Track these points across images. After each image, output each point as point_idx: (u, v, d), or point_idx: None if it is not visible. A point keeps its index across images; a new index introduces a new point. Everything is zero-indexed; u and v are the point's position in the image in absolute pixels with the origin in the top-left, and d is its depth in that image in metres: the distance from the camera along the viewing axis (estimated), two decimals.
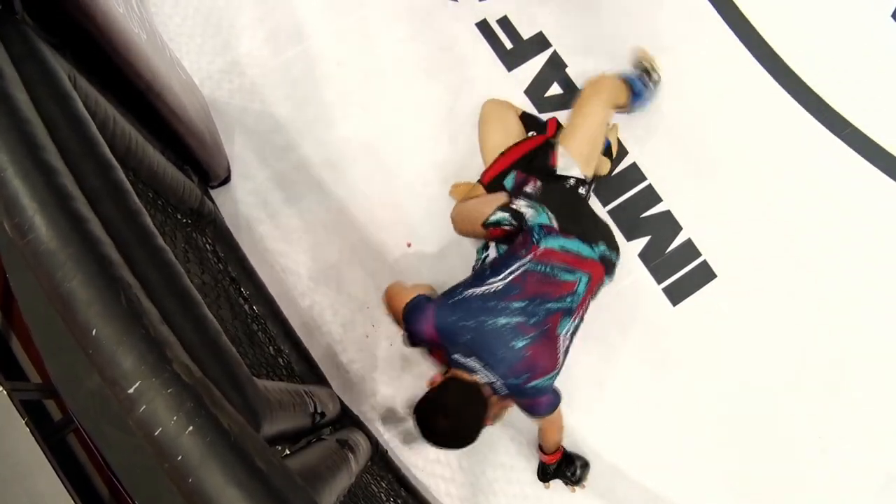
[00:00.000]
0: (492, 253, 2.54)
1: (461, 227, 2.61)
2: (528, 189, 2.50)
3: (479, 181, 2.70)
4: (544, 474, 2.65)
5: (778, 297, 2.85)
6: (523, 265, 2.20)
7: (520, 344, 2.07)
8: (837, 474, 2.73)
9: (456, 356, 2.11)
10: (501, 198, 2.45)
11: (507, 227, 2.39)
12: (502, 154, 2.68)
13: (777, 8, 3.10)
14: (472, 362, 2.08)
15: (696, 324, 2.82)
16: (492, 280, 2.17)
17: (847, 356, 2.82)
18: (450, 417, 2.03)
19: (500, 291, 2.14)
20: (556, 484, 2.67)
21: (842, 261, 2.89)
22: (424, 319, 2.15)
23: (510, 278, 2.17)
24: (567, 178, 2.53)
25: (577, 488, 2.64)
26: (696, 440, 2.74)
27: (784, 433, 2.76)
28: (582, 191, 2.56)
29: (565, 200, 2.46)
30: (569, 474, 2.61)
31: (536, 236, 2.28)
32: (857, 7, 3.12)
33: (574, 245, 2.29)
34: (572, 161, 2.52)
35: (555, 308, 2.15)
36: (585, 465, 2.64)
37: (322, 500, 1.40)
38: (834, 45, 3.09)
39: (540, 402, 2.23)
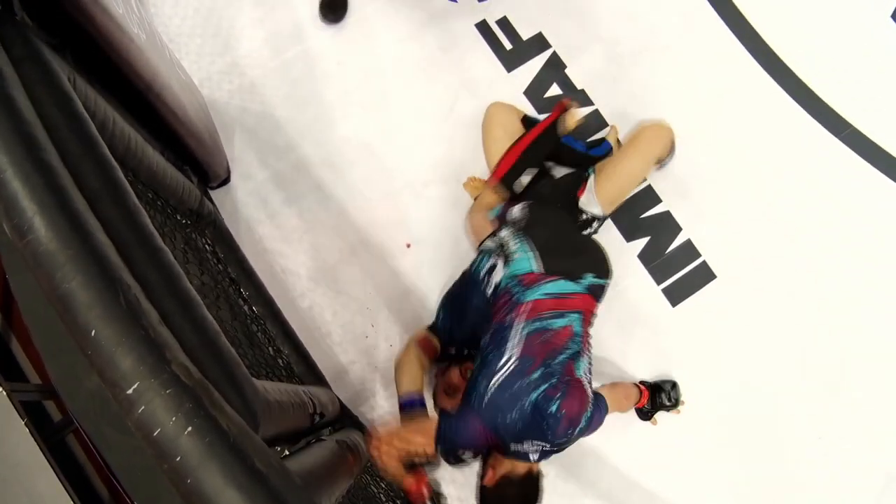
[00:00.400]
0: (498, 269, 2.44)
1: (472, 237, 2.73)
2: (516, 213, 2.50)
3: (489, 181, 2.74)
4: (645, 415, 2.73)
5: (778, 298, 2.85)
6: (519, 331, 2.17)
7: (554, 407, 2.03)
8: (838, 475, 2.73)
9: (514, 447, 2.07)
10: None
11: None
12: (508, 150, 2.70)
13: (776, 8, 3.11)
14: (526, 446, 2.07)
15: (695, 324, 2.82)
16: (500, 361, 2.11)
17: (847, 356, 2.82)
18: None
19: (518, 371, 2.09)
20: (556, 487, 2.67)
21: (842, 261, 2.89)
22: (472, 428, 2.08)
23: (518, 351, 2.12)
24: (582, 211, 2.60)
25: (679, 409, 2.73)
26: (696, 440, 2.74)
27: (784, 433, 2.76)
28: (593, 226, 2.64)
29: (554, 227, 2.47)
30: (667, 403, 2.70)
31: (516, 294, 2.26)
32: (856, 7, 3.12)
33: (556, 287, 2.26)
34: (596, 201, 2.59)
35: (565, 358, 2.14)
36: (674, 385, 2.73)
37: (321, 500, 1.40)
38: (834, 46, 3.09)
39: (592, 429, 2.21)
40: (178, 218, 2.27)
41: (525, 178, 2.70)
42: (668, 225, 2.90)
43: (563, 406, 2.04)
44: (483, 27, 3.05)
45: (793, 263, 2.88)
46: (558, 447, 2.10)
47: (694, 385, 2.77)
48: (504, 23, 3.06)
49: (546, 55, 3.04)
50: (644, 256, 2.87)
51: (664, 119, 2.78)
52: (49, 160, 1.11)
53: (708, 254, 2.88)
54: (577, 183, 2.66)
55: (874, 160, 2.99)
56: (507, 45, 3.05)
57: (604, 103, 3.00)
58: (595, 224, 2.65)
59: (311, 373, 2.59)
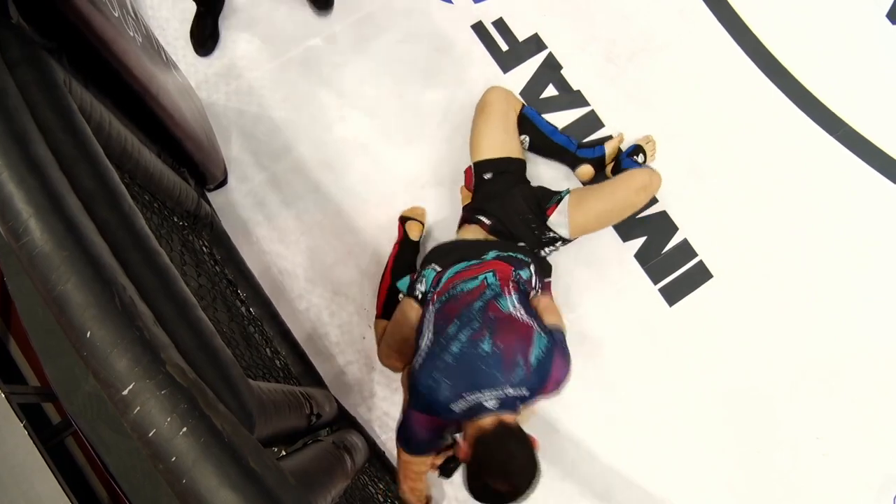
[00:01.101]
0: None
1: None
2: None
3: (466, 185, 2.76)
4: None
5: (775, 296, 2.86)
6: (432, 313, 2.19)
7: (486, 345, 1.97)
8: (836, 475, 2.74)
9: (460, 405, 1.95)
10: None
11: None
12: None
13: (771, 6, 3.13)
14: (475, 397, 1.93)
15: (692, 324, 2.83)
16: (422, 345, 2.11)
17: (845, 354, 2.83)
18: (507, 476, 1.83)
19: (435, 341, 2.07)
20: (554, 487, 2.68)
21: (838, 259, 2.91)
22: (415, 422, 2.06)
23: (432, 327, 2.13)
24: (550, 228, 2.56)
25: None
26: (694, 441, 2.74)
27: (783, 433, 2.77)
28: (556, 245, 2.62)
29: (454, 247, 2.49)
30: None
31: (429, 296, 2.30)
32: (852, 6, 3.14)
33: (459, 266, 2.30)
34: (566, 224, 2.54)
35: (482, 304, 2.11)
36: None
37: (317, 500, 1.41)
38: (829, 45, 3.11)
39: (556, 372, 2.06)
40: (176, 220, 2.28)
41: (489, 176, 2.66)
42: (664, 225, 2.90)
43: (496, 341, 1.98)
44: (479, 28, 3.06)
45: (790, 262, 2.89)
46: (523, 387, 1.96)
47: (692, 384, 2.78)
48: (500, 24, 3.07)
49: (542, 56, 3.05)
50: (641, 256, 2.87)
51: (657, 170, 2.75)
52: (44, 163, 1.12)
53: (705, 253, 2.89)
54: (549, 199, 2.60)
55: (869, 158, 3.01)
56: (504, 47, 3.06)
57: (600, 104, 3.01)
58: (559, 244, 2.61)
59: (308, 374, 2.60)
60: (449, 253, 2.41)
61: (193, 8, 2.95)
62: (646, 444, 2.74)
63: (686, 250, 2.89)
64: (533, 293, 2.38)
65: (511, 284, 2.23)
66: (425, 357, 2.06)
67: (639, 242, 2.88)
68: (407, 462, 2.21)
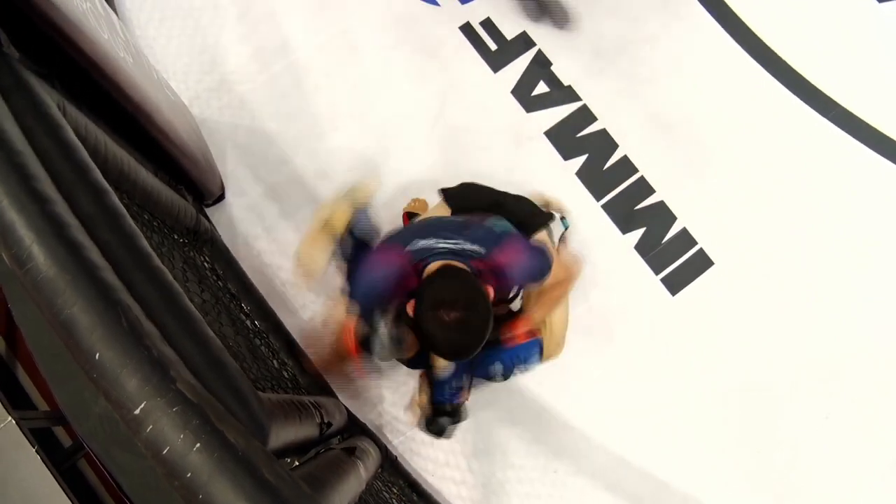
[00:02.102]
0: None
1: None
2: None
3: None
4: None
5: (777, 280, 2.86)
6: None
7: (458, 218, 2.12)
8: (845, 454, 2.74)
9: (421, 243, 1.90)
10: None
11: None
12: None
13: None
14: (430, 241, 1.89)
15: (696, 312, 2.83)
16: None
17: (848, 334, 2.83)
18: (454, 303, 1.74)
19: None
20: (569, 481, 2.68)
21: (836, 237, 2.91)
22: (378, 258, 1.96)
23: None
24: None
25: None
26: (703, 428, 2.74)
27: (791, 415, 2.77)
28: None
29: None
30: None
31: None
32: None
33: None
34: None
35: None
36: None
37: None
38: (817, 26, 3.12)
39: (511, 248, 1.96)
40: (176, 237, 2.29)
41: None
42: (662, 215, 2.91)
43: (466, 217, 2.09)
44: (467, 29, 3.07)
45: (790, 244, 2.90)
46: (476, 244, 1.91)
47: (699, 372, 2.78)
48: (488, 23, 3.08)
49: (531, 54, 3.06)
50: (641, 248, 2.88)
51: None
52: (43, 188, 1.13)
53: (704, 241, 2.89)
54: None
55: (864, 138, 3.01)
56: (492, 46, 3.06)
57: (592, 98, 3.01)
58: None
59: (316, 383, 2.60)
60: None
61: (180, 26, 2.96)
62: (654, 432, 2.74)
63: (686, 239, 2.89)
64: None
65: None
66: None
67: (638, 234, 2.89)
68: (344, 323, 2.05)
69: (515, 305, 2.42)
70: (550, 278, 2.07)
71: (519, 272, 1.96)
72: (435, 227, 1.96)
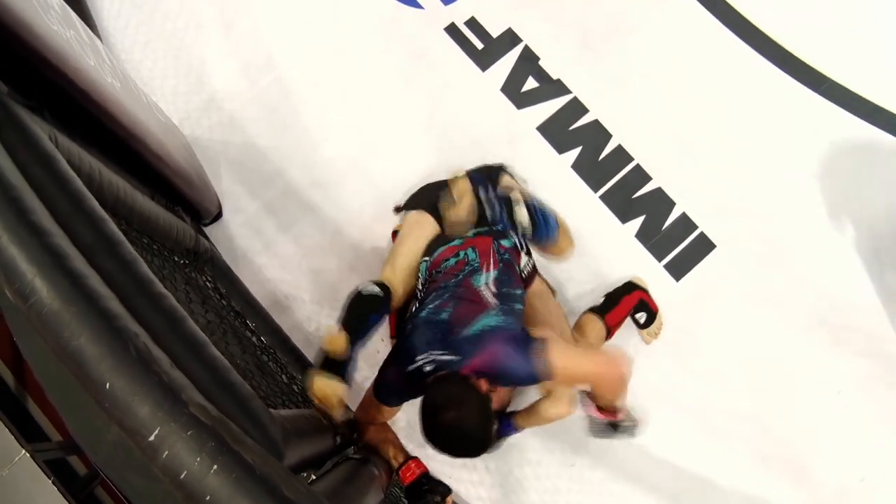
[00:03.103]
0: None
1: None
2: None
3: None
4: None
5: (780, 258, 2.86)
6: (423, 284, 2.25)
7: (444, 315, 2.04)
8: (858, 427, 2.73)
9: (414, 363, 2.00)
10: None
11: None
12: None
13: None
14: (424, 357, 1.98)
15: (702, 295, 2.83)
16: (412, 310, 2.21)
17: (853, 304, 2.84)
18: (447, 407, 1.85)
19: (417, 306, 2.18)
20: (587, 475, 2.68)
21: (837, 210, 2.91)
22: (392, 376, 2.10)
23: (420, 296, 2.21)
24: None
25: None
26: (716, 410, 2.73)
27: (802, 391, 2.77)
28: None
29: None
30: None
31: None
32: None
33: (442, 246, 2.25)
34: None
35: (460, 279, 2.14)
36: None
37: None
38: (802, 2, 3.12)
39: (489, 351, 1.96)
40: (176, 259, 2.28)
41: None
42: (661, 201, 2.91)
43: (454, 311, 2.05)
44: (452, 30, 3.06)
45: (791, 221, 2.90)
46: (454, 353, 1.96)
47: (709, 355, 2.78)
48: (473, 23, 3.08)
49: (518, 49, 3.06)
50: (642, 236, 2.87)
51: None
52: (41, 221, 1.12)
53: (705, 224, 2.89)
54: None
55: (855, 109, 3.02)
56: (479, 45, 3.06)
57: (582, 90, 3.01)
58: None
59: None
60: (435, 240, 2.34)
61: (164, 47, 2.96)
62: (672, 422, 2.72)
63: (686, 224, 2.89)
64: (524, 259, 2.33)
65: (492, 257, 2.22)
66: (408, 318, 2.16)
67: (638, 222, 2.88)
68: (376, 411, 2.22)
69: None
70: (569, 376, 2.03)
71: (502, 372, 1.96)
72: (424, 337, 2.02)
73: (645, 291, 2.76)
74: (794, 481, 2.69)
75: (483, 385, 1.93)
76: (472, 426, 1.87)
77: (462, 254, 2.22)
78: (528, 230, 2.34)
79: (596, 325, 2.60)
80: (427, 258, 2.31)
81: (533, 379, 1.97)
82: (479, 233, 2.30)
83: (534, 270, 2.39)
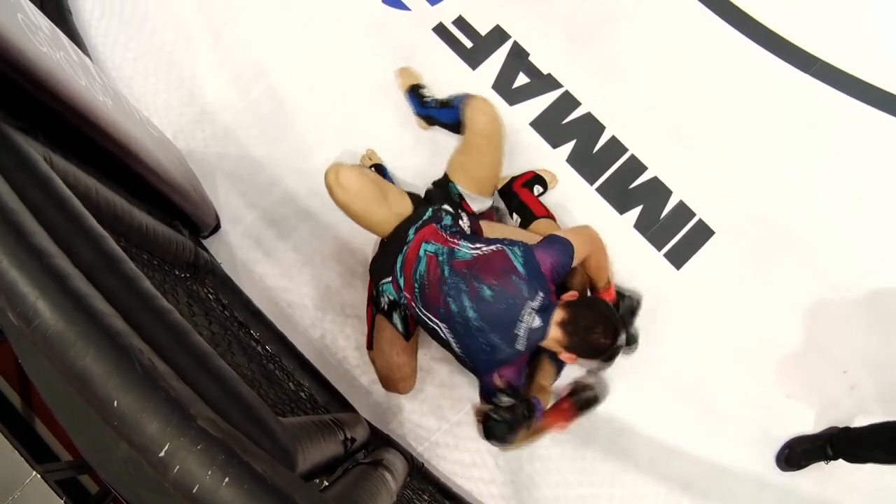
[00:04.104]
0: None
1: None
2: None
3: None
4: None
5: (779, 241, 2.87)
6: (422, 314, 2.27)
7: (487, 291, 2.13)
8: (865, 407, 2.74)
9: (523, 346, 2.14)
10: None
11: None
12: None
13: None
14: (521, 327, 2.11)
15: (703, 282, 2.83)
16: (447, 338, 2.24)
17: (855, 283, 2.85)
18: (598, 317, 2.10)
19: (451, 327, 2.20)
20: (598, 467, 2.68)
21: (832, 189, 2.94)
22: (508, 376, 2.21)
23: (437, 322, 2.23)
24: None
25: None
26: (723, 396, 2.74)
27: (809, 372, 2.77)
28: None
29: None
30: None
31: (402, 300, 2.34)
32: None
33: (398, 262, 2.30)
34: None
35: (448, 269, 2.19)
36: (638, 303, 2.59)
37: None
38: None
39: (545, 261, 2.17)
40: (177, 273, 2.29)
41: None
42: (658, 190, 2.91)
43: (488, 282, 2.13)
44: (441, 30, 3.07)
45: (789, 204, 2.91)
46: (536, 293, 2.11)
47: (713, 341, 2.78)
48: (461, 22, 3.08)
49: (507, 46, 3.06)
50: (640, 226, 2.88)
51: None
52: (40, 243, 1.12)
53: (702, 211, 2.90)
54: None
55: (847, 88, 3.03)
56: (468, 44, 3.06)
57: (573, 83, 3.02)
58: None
59: (334, 400, 2.60)
60: (384, 259, 2.37)
61: (154, 62, 2.96)
62: (680, 410, 2.74)
63: (684, 211, 2.90)
64: (466, 225, 2.38)
65: (448, 237, 2.27)
66: (461, 342, 2.18)
67: (636, 213, 2.89)
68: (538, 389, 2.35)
69: None
70: (581, 255, 2.27)
71: (561, 266, 2.19)
72: (499, 317, 2.11)
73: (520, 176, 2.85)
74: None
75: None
76: (618, 325, 2.11)
77: (422, 253, 2.25)
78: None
79: (542, 223, 2.65)
80: (388, 279, 2.33)
81: (570, 262, 2.20)
82: (418, 227, 2.31)
83: (476, 221, 2.45)
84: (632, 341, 2.56)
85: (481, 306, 2.12)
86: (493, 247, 2.19)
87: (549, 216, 2.70)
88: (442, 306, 2.16)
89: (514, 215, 2.70)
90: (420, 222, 2.31)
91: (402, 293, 2.29)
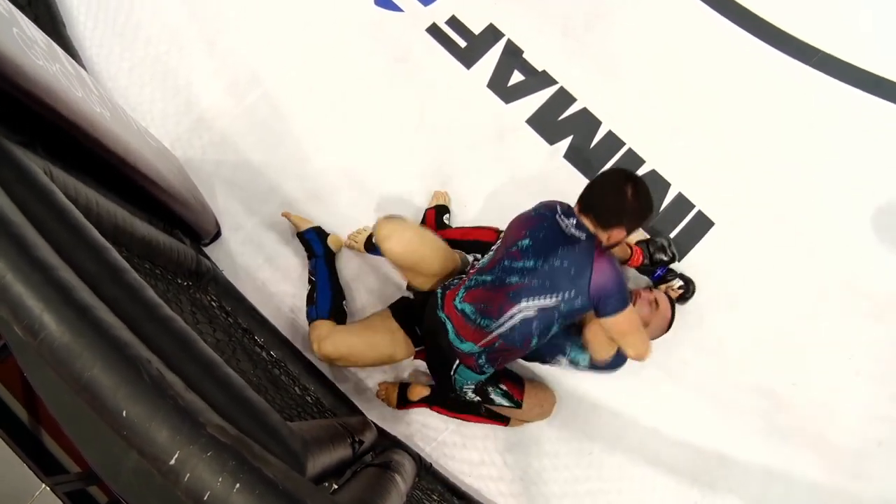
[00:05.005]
0: None
1: None
2: None
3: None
4: (651, 274, 2.79)
5: (781, 230, 2.87)
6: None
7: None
8: (872, 391, 2.74)
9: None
10: None
11: None
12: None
13: None
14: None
15: (706, 272, 2.83)
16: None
17: (858, 271, 2.85)
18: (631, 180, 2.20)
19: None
20: (606, 460, 2.69)
21: (832, 177, 2.94)
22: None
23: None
24: None
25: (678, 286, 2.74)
26: (729, 385, 2.75)
27: (814, 359, 2.78)
28: None
29: None
30: (664, 258, 2.71)
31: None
32: None
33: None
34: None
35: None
36: (669, 241, 2.75)
37: None
38: None
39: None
40: (180, 281, 2.29)
41: None
42: (656, 183, 2.91)
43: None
44: (434, 30, 3.07)
45: (789, 193, 2.92)
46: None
47: (720, 329, 2.79)
48: (454, 21, 3.08)
49: (501, 44, 3.06)
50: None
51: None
52: (44, 256, 1.12)
53: (701, 202, 2.90)
54: None
55: (847, 78, 3.04)
56: (462, 43, 3.06)
57: (568, 79, 3.02)
58: None
59: (341, 403, 2.61)
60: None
61: (150, 71, 2.97)
62: (687, 401, 2.74)
63: (683, 203, 2.90)
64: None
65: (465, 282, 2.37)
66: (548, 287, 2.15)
67: None
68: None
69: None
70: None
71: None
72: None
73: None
74: (813, 450, 2.71)
75: None
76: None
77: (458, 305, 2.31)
78: None
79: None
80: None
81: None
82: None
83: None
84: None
85: (529, 251, 2.15)
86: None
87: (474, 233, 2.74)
88: (509, 292, 2.17)
89: (471, 257, 2.65)
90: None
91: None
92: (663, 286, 2.74)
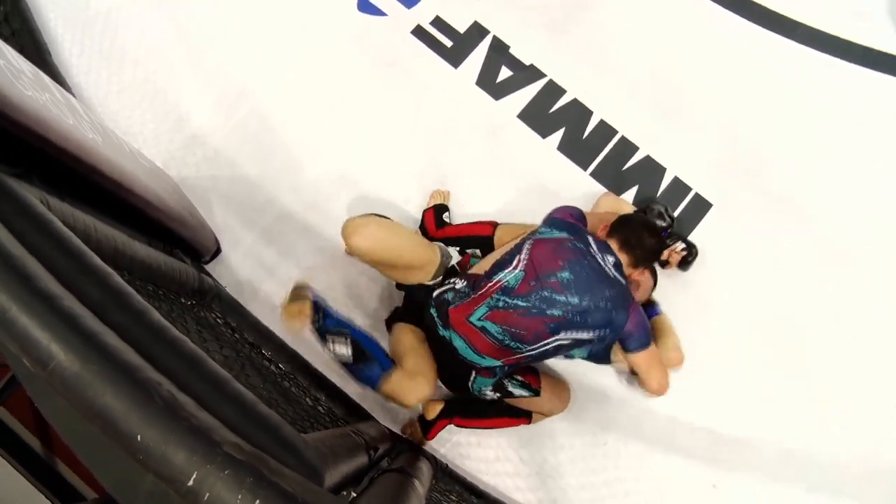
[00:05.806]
0: None
1: None
2: None
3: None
4: None
5: (776, 210, 2.88)
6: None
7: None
8: (880, 366, 2.74)
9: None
10: None
11: None
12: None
13: None
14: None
15: (707, 255, 2.83)
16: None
17: (858, 249, 2.85)
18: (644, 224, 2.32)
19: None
20: (622, 450, 2.69)
21: (825, 149, 2.95)
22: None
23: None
24: None
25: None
26: (738, 368, 2.75)
27: (818, 339, 2.78)
28: None
29: None
30: (662, 224, 2.78)
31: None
32: None
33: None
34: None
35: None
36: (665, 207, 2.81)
37: None
38: None
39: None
40: (183, 301, 2.29)
41: None
42: (651, 168, 2.91)
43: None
44: (419, 32, 3.07)
45: (782, 170, 2.92)
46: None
47: (720, 314, 2.79)
48: (438, 22, 3.09)
49: (487, 41, 3.07)
50: (638, 204, 2.88)
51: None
52: (47, 286, 1.12)
53: (698, 185, 2.91)
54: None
55: (831, 49, 3.04)
56: (448, 43, 3.07)
57: (556, 71, 3.02)
58: None
59: (352, 411, 2.61)
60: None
61: (139, 93, 2.96)
62: (699, 386, 2.73)
63: (679, 187, 2.90)
64: (462, 284, 2.40)
65: (473, 299, 2.34)
66: (588, 324, 2.21)
67: (632, 193, 2.90)
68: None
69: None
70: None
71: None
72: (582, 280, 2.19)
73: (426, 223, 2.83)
74: (826, 429, 2.71)
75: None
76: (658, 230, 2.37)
77: (477, 322, 2.30)
78: None
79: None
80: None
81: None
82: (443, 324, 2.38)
83: (465, 273, 2.49)
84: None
85: (572, 286, 2.17)
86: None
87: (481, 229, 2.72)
88: (550, 324, 2.19)
89: (467, 251, 2.67)
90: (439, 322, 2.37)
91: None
92: (666, 251, 2.74)
